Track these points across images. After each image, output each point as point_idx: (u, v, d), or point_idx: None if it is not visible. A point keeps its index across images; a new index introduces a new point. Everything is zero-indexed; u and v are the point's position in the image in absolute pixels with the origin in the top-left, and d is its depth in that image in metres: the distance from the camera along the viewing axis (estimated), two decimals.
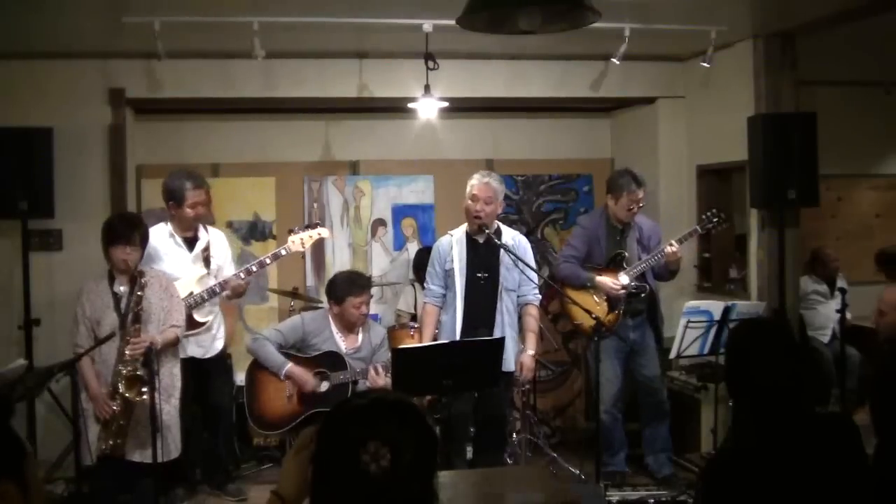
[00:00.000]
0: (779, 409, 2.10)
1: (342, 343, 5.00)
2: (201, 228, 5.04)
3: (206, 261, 4.97)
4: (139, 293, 4.30)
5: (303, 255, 5.10)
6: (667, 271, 5.14)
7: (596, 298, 5.08)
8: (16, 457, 1.65)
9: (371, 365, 4.86)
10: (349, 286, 4.93)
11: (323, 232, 5.06)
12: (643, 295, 5.08)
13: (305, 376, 4.87)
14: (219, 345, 5.08)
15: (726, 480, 2.05)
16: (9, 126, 5.13)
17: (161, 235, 4.90)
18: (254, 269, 4.90)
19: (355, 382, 4.90)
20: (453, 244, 4.74)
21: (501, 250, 4.66)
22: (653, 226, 5.32)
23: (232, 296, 4.94)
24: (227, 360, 5.25)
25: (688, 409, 5.44)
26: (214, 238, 5.09)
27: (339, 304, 4.94)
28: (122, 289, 4.39)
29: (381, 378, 4.79)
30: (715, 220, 5.04)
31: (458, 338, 4.59)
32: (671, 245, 4.97)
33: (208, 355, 5.01)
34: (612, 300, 5.06)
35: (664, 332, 5.28)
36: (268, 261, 4.95)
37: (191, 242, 4.97)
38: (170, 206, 4.89)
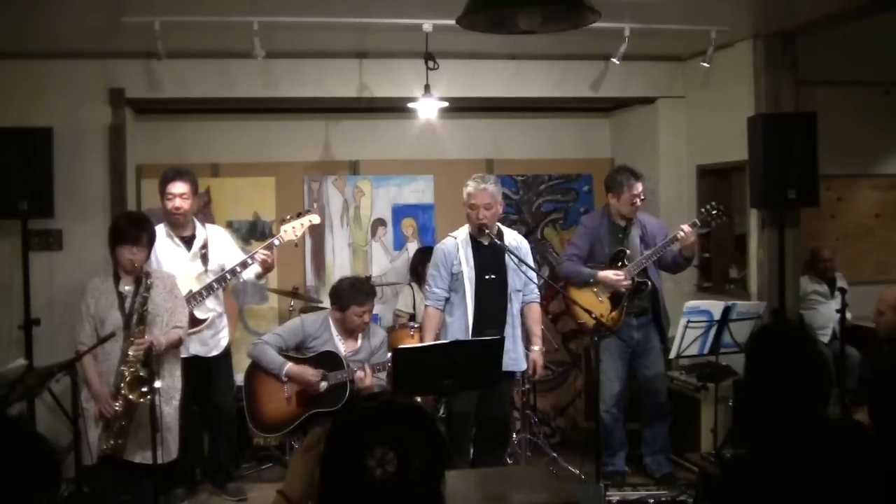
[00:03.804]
0: (798, 414, 2.08)
1: (342, 346, 5.00)
2: (199, 226, 5.05)
3: (204, 258, 4.97)
4: (145, 294, 4.28)
5: (296, 244, 5.12)
6: (682, 258, 5.09)
7: (599, 297, 5.08)
8: (53, 478, 1.67)
9: (360, 365, 4.87)
10: (354, 293, 4.92)
11: (314, 218, 5.07)
12: (645, 291, 5.07)
13: (306, 372, 4.86)
14: (223, 342, 5.08)
15: (744, 488, 2.03)
16: (9, 126, 5.13)
17: (158, 236, 4.90)
18: (276, 242, 4.92)
19: (353, 381, 4.90)
20: (459, 246, 4.72)
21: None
22: (658, 224, 5.29)
23: (262, 272, 4.97)
24: (229, 358, 5.24)
25: (688, 409, 5.43)
26: (213, 235, 5.09)
27: (342, 311, 4.94)
28: (126, 288, 4.38)
29: (368, 378, 4.82)
30: (714, 212, 5.02)
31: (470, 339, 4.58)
32: (682, 230, 4.92)
33: (212, 353, 5.00)
34: (615, 297, 5.05)
35: (668, 332, 5.25)
36: (264, 251, 4.91)
37: (188, 241, 4.98)
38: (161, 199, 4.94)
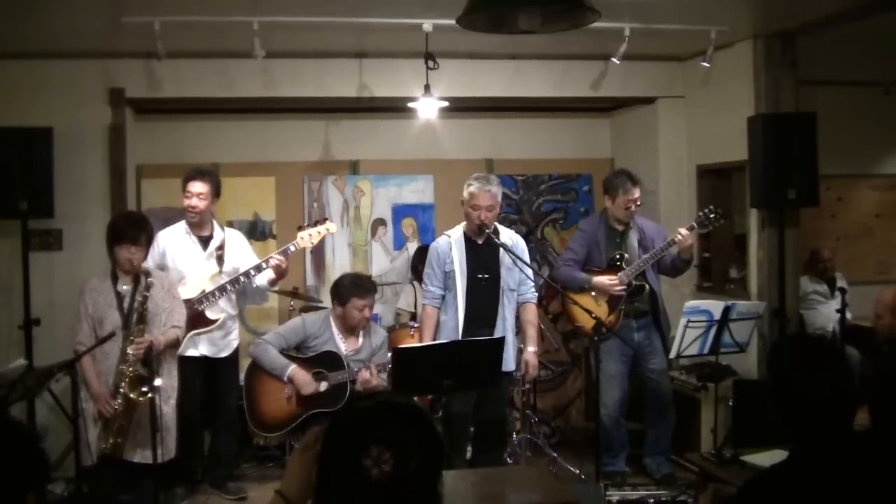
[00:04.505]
0: (828, 428, 2.05)
1: (343, 345, 5.00)
2: (217, 227, 5.08)
3: (220, 259, 5.00)
4: (146, 293, 4.30)
5: (312, 249, 5.18)
6: (681, 261, 5.10)
7: (598, 302, 5.07)
8: (41, 473, 1.66)
9: (365, 365, 4.87)
10: (354, 288, 4.93)
11: (331, 227, 5.12)
12: (643, 293, 5.06)
13: (305, 379, 4.87)
14: (233, 344, 5.10)
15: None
16: (9, 126, 5.13)
17: (177, 233, 4.98)
18: (292, 249, 4.95)
19: (353, 382, 4.90)
20: (452, 245, 4.72)
21: (501, 250, 4.65)
22: (656, 229, 5.29)
23: (275, 278, 4.99)
24: (237, 361, 5.23)
25: (688, 409, 5.43)
26: (230, 238, 5.13)
27: (342, 306, 4.94)
28: (125, 288, 4.40)
29: (374, 379, 4.80)
30: (712, 216, 5.02)
31: (460, 338, 4.58)
32: (680, 233, 4.92)
33: (221, 354, 5.02)
34: (612, 301, 5.05)
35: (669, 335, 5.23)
36: (279, 256, 4.93)
37: (206, 241, 5.01)
38: None
